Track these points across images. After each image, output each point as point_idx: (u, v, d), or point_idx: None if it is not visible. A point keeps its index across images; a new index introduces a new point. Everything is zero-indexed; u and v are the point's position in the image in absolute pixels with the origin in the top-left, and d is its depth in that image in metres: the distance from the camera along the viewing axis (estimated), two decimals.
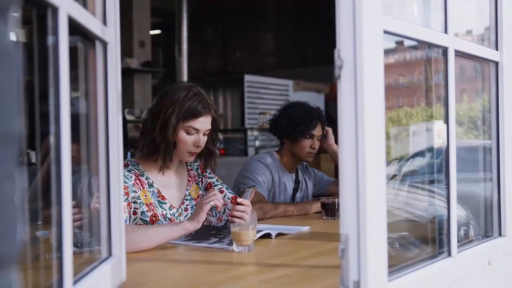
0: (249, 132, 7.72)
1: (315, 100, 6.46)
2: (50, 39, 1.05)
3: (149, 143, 2.27)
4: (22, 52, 0.65)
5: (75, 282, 1.12)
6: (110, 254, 1.42)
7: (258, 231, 2.11)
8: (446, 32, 1.57)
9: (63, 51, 1.05)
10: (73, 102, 1.14)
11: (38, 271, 1.24)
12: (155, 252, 1.96)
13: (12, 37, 0.64)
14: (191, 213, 2.36)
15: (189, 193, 2.43)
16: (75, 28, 1.15)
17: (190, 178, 2.45)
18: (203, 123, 2.28)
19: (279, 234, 2.27)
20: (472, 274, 1.69)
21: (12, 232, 0.62)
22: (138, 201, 2.22)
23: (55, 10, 1.03)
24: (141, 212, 2.22)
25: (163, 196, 2.31)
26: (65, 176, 1.05)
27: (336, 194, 3.07)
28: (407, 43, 1.61)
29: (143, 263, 1.85)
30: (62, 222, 1.05)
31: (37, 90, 1.06)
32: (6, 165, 0.61)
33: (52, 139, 1.05)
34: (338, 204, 2.74)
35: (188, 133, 2.26)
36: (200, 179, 2.49)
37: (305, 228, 2.44)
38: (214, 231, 2.22)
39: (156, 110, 2.27)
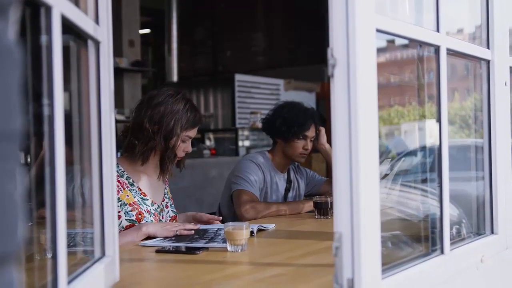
0: (240, 132, 7.70)
1: (306, 99, 6.46)
2: (43, 38, 1.05)
3: (150, 150, 2.35)
4: (22, 51, 0.65)
5: (69, 282, 1.12)
6: (103, 254, 1.42)
7: None
8: (438, 30, 1.58)
9: (57, 50, 1.04)
10: (65, 102, 1.14)
11: (31, 271, 1.23)
12: (149, 253, 1.96)
13: (13, 36, 0.64)
14: (171, 210, 2.52)
15: (167, 192, 2.56)
16: (67, 27, 1.14)
17: (166, 180, 2.58)
18: (196, 131, 2.45)
19: (259, 230, 2.32)
20: (465, 271, 1.70)
21: (14, 230, 0.62)
22: (119, 203, 2.27)
23: (48, 9, 1.02)
24: (124, 212, 2.29)
25: (144, 193, 2.40)
26: (59, 176, 1.04)
27: (328, 193, 3.07)
28: (398, 41, 1.61)
29: (136, 263, 1.84)
30: (56, 223, 1.04)
31: (30, 89, 1.05)
32: (8, 163, 0.61)
33: (45, 140, 1.04)
34: (330, 203, 2.75)
35: (183, 141, 2.39)
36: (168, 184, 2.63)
37: (271, 226, 2.46)
38: (197, 235, 2.20)
39: (154, 118, 2.33)
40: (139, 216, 2.31)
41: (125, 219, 2.28)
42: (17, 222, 0.62)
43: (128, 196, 2.32)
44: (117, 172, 2.33)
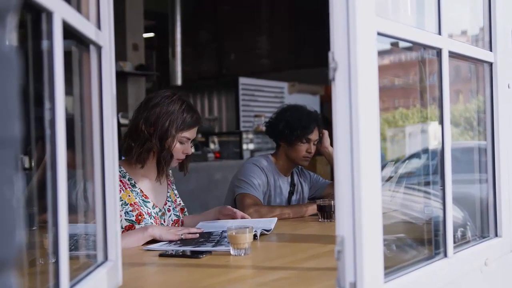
0: (244, 135, 7.70)
1: (310, 102, 6.47)
2: (44, 44, 1.05)
3: (146, 152, 2.35)
4: (19, 56, 0.66)
5: (71, 287, 1.12)
6: (106, 258, 1.42)
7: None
8: (440, 33, 1.58)
9: (58, 56, 1.05)
10: (67, 107, 1.14)
11: (34, 276, 1.23)
12: (152, 257, 1.96)
13: (11, 42, 0.64)
14: (174, 214, 2.51)
15: (169, 196, 2.55)
16: (69, 32, 1.15)
17: (169, 182, 2.58)
18: (195, 132, 2.44)
19: (262, 234, 2.32)
20: (468, 274, 1.69)
21: (11, 236, 0.62)
22: (120, 202, 2.28)
23: (49, 14, 1.03)
24: (125, 212, 2.30)
25: (146, 195, 2.40)
26: (61, 180, 1.05)
27: (331, 196, 3.06)
28: (402, 44, 1.61)
29: (139, 267, 1.84)
30: (58, 227, 1.04)
31: (31, 94, 1.06)
32: (5, 169, 0.61)
33: (47, 144, 1.05)
34: (334, 206, 2.74)
35: (180, 142, 2.39)
36: (173, 186, 2.62)
37: (274, 221, 2.50)
38: (203, 238, 2.19)
39: (150, 119, 2.34)
40: (139, 217, 2.31)
41: (125, 219, 2.29)
42: (15, 227, 0.63)
43: (129, 196, 2.33)
44: (120, 172, 2.33)
